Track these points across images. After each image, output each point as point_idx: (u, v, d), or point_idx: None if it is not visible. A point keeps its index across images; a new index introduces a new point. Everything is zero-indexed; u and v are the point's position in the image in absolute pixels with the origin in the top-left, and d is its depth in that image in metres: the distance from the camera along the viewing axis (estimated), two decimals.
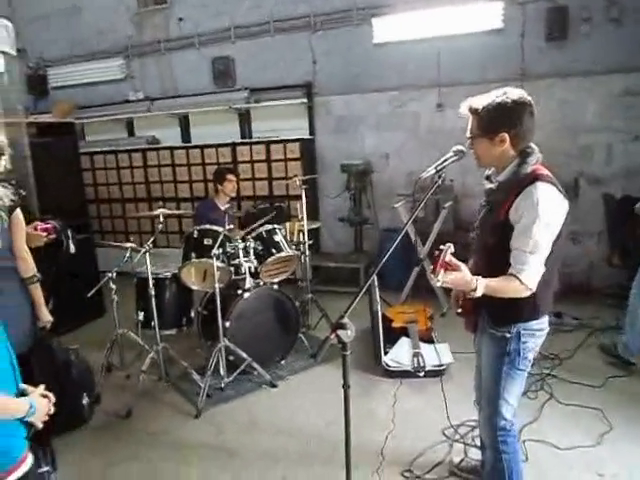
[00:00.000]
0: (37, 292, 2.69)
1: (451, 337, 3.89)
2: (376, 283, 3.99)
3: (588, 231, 5.33)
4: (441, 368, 3.69)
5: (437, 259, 1.78)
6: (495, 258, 1.96)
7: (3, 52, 3.92)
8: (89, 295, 3.64)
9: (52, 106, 7.15)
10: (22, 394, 1.72)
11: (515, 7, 5.23)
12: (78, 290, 4.00)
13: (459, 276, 1.84)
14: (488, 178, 2.14)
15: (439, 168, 1.99)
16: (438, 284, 1.80)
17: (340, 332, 1.69)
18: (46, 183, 4.78)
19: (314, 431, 3.21)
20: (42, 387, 1.79)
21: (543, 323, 2.07)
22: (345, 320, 1.70)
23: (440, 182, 1.99)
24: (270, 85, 6.23)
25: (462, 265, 1.85)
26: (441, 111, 5.67)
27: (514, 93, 1.92)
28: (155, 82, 6.91)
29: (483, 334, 2.17)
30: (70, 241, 2.98)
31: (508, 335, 2.02)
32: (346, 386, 1.78)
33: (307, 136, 6.19)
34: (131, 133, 7.14)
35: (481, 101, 1.94)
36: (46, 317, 2.77)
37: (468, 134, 2.02)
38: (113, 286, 3.79)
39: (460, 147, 2.03)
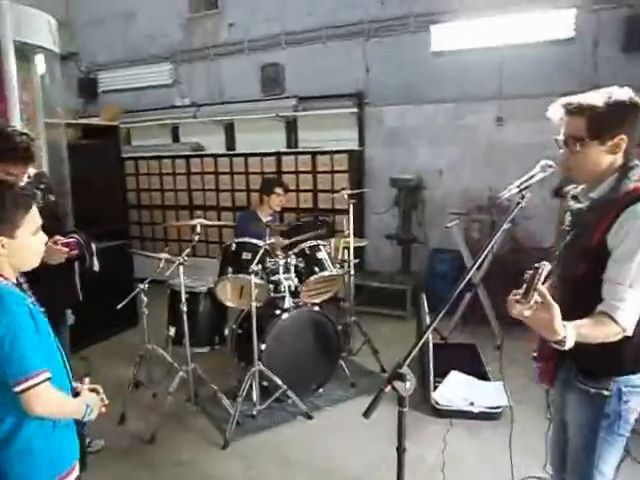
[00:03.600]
0: None
1: (506, 374, 3.46)
2: (427, 309, 3.63)
3: None
4: (497, 410, 3.28)
5: (532, 280, 1.35)
6: (582, 291, 1.60)
7: (43, 48, 3.74)
8: (119, 307, 3.40)
9: (100, 109, 7.16)
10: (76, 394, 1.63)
11: (589, 15, 4.80)
12: (112, 297, 3.79)
13: (546, 318, 1.39)
14: (575, 197, 1.77)
15: (523, 187, 1.64)
16: (526, 313, 1.37)
17: (397, 384, 1.38)
18: (85, 187, 4.63)
19: (353, 474, 2.87)
20: (87, 380, 1.69)
21: None
22: (404, 370, 1.38)
23: (523, 203, 1.64)
24: (320, 93, 5.94)
25: (555, 306, 1.39)
26: (501, 125, 5.28)
27: (625, 91, 1.58)
28: (202, 88, 6.76)
29: (567, 389, 1.77)
30: (94, 258, 2.70)
31: (606, 393, 1.64)
32: (401, 449, 1.46)
33: (356, 147, 5.89)
34: (176, 139, 7.00)
35: (587, 99, 1.58)
36: None
37: (570, 136, 1.62)
38: (145, 298, 3.56)
39: (549, 162, 1.67)
